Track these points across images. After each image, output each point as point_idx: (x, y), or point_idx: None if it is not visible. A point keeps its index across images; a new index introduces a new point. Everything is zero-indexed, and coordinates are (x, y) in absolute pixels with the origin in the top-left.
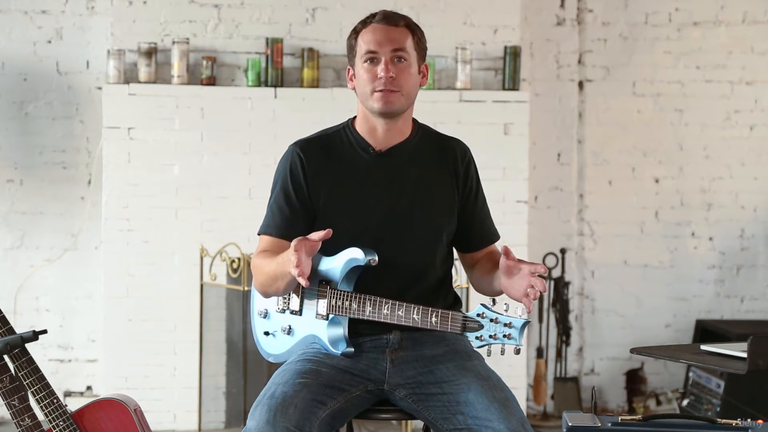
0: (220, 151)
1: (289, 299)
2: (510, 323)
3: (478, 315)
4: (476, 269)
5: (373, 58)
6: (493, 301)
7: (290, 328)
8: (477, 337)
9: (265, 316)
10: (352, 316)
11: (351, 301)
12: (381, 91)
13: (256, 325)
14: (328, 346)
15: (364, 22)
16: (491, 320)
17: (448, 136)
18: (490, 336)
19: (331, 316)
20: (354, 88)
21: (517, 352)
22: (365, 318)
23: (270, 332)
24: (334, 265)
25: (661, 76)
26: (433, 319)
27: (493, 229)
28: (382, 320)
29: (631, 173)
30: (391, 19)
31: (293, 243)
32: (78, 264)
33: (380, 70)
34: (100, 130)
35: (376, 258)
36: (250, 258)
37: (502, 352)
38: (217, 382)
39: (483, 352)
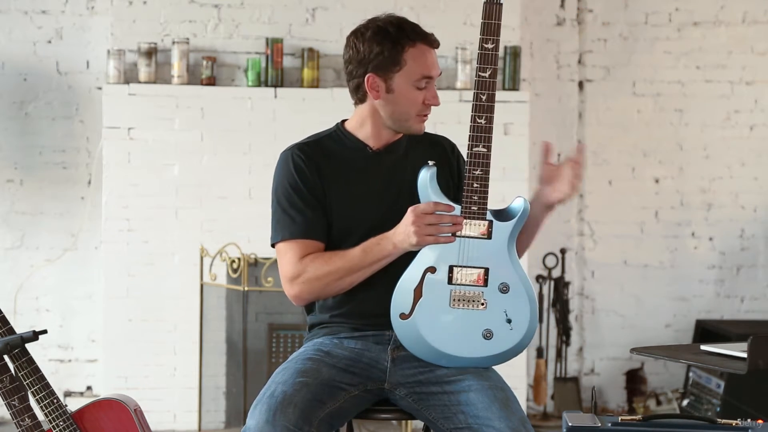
0: (220, 151)
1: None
2: None
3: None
4: None
5: (427, 84)
6: None
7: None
8: None
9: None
10: None
11: None
12: (425, 115)
13: None
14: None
15: (411, 38)
16: None
17: (433, 133)
18: None
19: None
20: (378, 99)
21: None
22: None
23: None
24: None
25: (661, 76)
26: None
27: None
28: None
29: (631, 173)
30: (436, 42)
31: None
32: (78, 264)
33: (431, 97)
34: (100, 130)
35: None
36: (250, 258)
37: None
38: (217, 382)
39: None
